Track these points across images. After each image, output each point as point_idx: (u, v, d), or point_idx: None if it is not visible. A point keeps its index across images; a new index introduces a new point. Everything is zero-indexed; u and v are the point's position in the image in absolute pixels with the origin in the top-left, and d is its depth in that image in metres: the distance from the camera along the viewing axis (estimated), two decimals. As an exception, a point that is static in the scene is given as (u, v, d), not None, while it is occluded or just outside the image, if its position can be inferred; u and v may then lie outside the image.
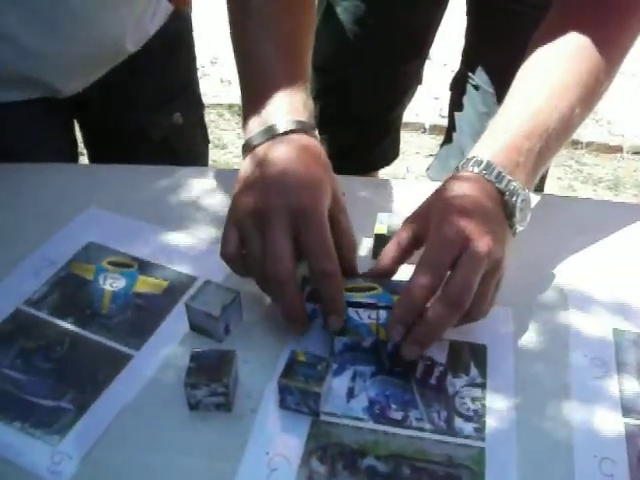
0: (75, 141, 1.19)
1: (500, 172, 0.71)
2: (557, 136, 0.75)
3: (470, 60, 1.31)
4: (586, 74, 0.78)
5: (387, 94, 1.41)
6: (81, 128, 1.22)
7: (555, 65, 0.79)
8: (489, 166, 0.71)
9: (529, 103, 0.76)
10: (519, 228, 0.73)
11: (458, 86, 1.36)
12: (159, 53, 1.11)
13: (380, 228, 0.80)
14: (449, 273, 0.66)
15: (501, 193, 0.71)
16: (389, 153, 1.58)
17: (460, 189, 0.71)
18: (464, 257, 0.65)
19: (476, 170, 0.71)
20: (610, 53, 0.79)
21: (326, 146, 1.46)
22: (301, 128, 0.74)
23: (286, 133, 0.73)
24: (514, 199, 0.71)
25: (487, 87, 1.24)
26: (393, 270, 0.73)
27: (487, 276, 0.67)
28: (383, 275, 0.73)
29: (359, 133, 1.45)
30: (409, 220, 0.73)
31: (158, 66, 1.13)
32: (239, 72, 0.82)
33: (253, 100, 0.78)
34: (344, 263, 0.71)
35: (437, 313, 0.65)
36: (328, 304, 0.69)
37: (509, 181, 0.71)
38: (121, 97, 1.12)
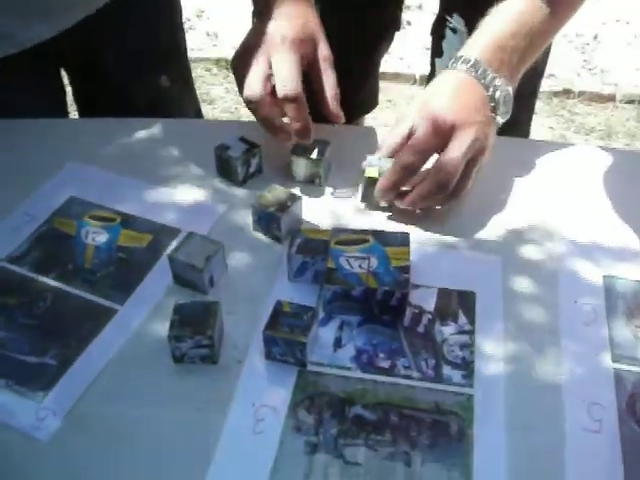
0: (65, 102, 1.16)
1: (485, 70, 0.78)
2: (541, 35, 0.81)
3: (447, 3, 1.28)
4: None
5: (361, 40, 1.38)
6: (74, 97, 1.20)
7: None
8: (476, 64, 0.78)
9: (511, 8, 0.81)
10: (501, 120, 0.80)
11: (437, 31, 1.33)
12: (140, 9, 1.07)
13: (371, 171, 0.79)
14: (437, 157, 0.75)
15: (486, 88, 0.78)
16: (369, 101, 1.55)
17: (449, 85, 0.79)
18: (451, 142, 0.74)
19: (464, 68, 0.78)
20: None
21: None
22: None
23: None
24: (498, 93, 0.78)
25: (464, 29, 1.22)
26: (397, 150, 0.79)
27: (471, 161, 0.76)
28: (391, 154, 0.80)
29: (338, 81, 1.41)
30: (403, 114, 0.80)
31: (140, 24, 1.09)
32: None
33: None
34: (326, 109, 0.83)
35: (425, 189, 0.76)
36: (293, 124, 0.80)
37: (494, 77, 0.78)
38: (103, 56, 1.09)
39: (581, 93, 2.63)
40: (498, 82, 0.78)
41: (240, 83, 0.82)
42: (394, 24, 1.40)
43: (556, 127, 2.54)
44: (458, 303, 0.70)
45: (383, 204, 0.80)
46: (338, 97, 0.84)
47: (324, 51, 0.84)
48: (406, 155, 0.76)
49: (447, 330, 0.68)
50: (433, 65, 1.37)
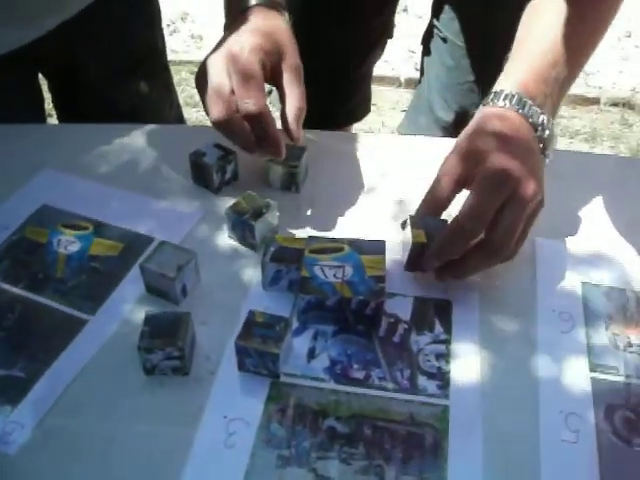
0: (42, 108, 1.15)
1: (532, 105, 0.70)
2: (576, 64, 0.75)
3: (438, 12, 1.27)
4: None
5: (355, 48, 1.37)
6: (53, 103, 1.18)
7: (561, 5, 0.76)
8: (521, 100, 0.70)
9: (545, 35, 0.74)
10: (547, 161, 0.73)
11: (429, 39, 1.32)
12: (117, 14, 1.06)
13: (418, 234, 0.69)
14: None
15: (534, 127, 0.70)
16: (360, 108, 1.54)
17: (497, 128, 0.69)
18: (511, 204, 0.65)
19: (508, 105, 0.70)
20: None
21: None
22: (267, 3, 0.80)
23: (255, 7, 0.79)
24: (547, 132, 0.71)
25: (455, 39, 1.20)
26: (445, 206, 0.71)
27: (528, 219, 0.68)
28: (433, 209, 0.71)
29: (327, 87, 1.41)
30: (450, 162, 0.70)
31: (116, 30, 1.08)
32: None
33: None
34: (284, 125, 0.76)
35: (477, 259, 0.67)
36: (261, 140, 0.75)
37: (540, 114, 0.70)
38: (80, 62, 1.08)
39: (566, 96, 2.64)
40: (544, 118, 0.70)
41: (205, 102, 0.77)
42: (388, 31, 1.39)
43: (541, 130, 2.54)
44: (434, 312, 0.69)
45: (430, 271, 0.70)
46: (301, 114, 0.76)
47: (291, 61, 0.78)
48: (466, 220, 0.65)
49: (423, 340, 0.67)
50: (422, 67, 1.36)
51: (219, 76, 0.74)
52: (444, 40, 1.22)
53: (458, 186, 0.70)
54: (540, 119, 0.70)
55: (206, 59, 0.77)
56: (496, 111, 0.71)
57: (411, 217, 0.70)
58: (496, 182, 0.66)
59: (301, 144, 0.79)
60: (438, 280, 0.70)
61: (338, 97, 1.43)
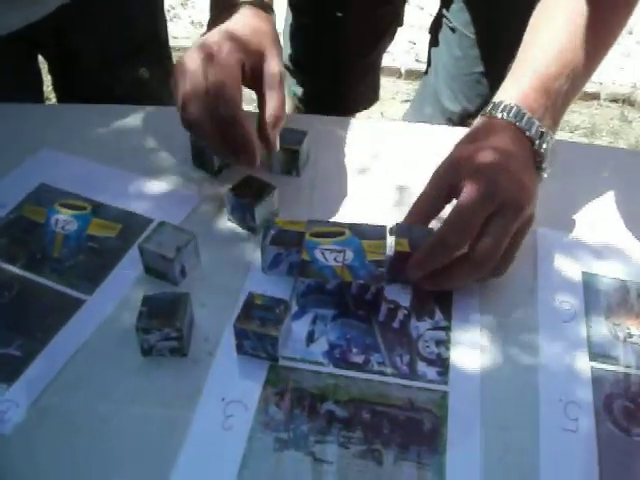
0: (41, 89, 1.14)
1: (530, 118, 0.68)
2: (582, 76, 0.73)
3: (448, 2, 1.26)
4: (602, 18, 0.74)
5: (364, 35, 1.36)
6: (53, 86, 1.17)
7: (571, 10, 0.74)
8: (519, 112, 0.68)
9: (552, 43, 0.73)
10: (545, 175, 0.71)
11: (436, 29, 1.31)
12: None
13: (402, 244, 0.68)
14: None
15: (531, 141, 0.69)
16: (368, 96, 1.54)
17: (492, 139, 0.68)
18: (497, 220, 0.64)
19: (505, 117, 0.69)
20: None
21: (301, 87, 1.42)
22: (256, 2, 0.76)
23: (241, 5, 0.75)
24: (544, 146, 0.69)
25: (463, 29, 1.20)
26: (432, 217, 0.71)
27: (516, 235, 0.66)
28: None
29: (336, 74, 1.40)
30: (440, 171, 0.70)
31: (117, 13, 1.07)
32: None
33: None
34: (260, 132, 0.72)
35: (460, 272, 0.66)
36: (235, 147, 0.70)
37: (538, 127, 0.69)
38: (80, 46, 1.07)
39: (566, 91, 2.64)
40: (543, 130, 0.69)
41: (178, 100, 0.72)
42: (397, 19, 1.38)
43: (540, 124, 2.54)
44: (434, 299, 0.69)
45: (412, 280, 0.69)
46: (279, 122, 0.72)
47: (272, 67, 0.73)
48: (450, 232, 0.65)
49: (423, 326, 0.66)
50: (429, 59, 1.35)
51: (194, 75, 0.69)
52: (453, 30, 1.21)
53: (447, 196, 0.69)
54: (538, 133, 0.69)
55: (183, 58, 0.72)
56: (493, 122, 0.70)
57: (397, 225, 0.70)
58: (483, 195, 0.64)
59: (301, 128, 0.78)
60: (422, 286, 0.68)
61: (346, 84, 1.42)
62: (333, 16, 1.30)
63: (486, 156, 0.66)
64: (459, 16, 1.20)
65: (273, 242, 0.69)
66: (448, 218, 0.65)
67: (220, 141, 0.70)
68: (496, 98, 0.71)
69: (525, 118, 0.68)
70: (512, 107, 0.69)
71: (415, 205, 0.71)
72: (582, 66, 0.72)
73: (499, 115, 0.69)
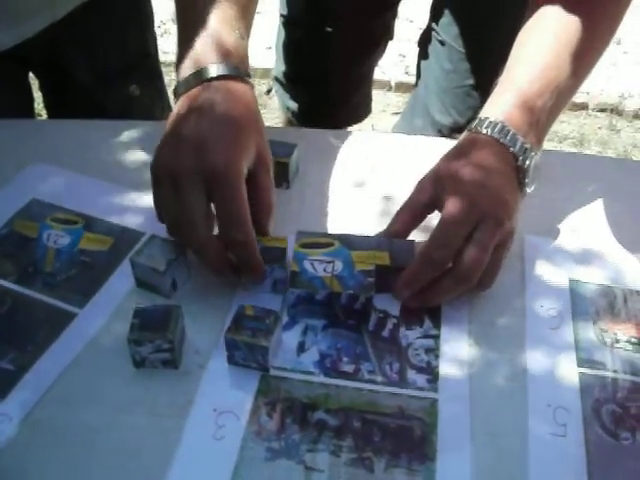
0: (32, 106, 1.14)
1: (514, 134, 0.69)
2: (567, 92, 0.74)
3: (437, 14, 1.28)
4: (587, 32, 0.74)
5: (356, 49, 1.38)
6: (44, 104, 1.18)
7: (558, 25, 0.75)
8: (503, 128, 0.69)
9: (536, 60, 0.74)
10: (529, 190, 0.72)
11: (426, 42, 1.32)
12: (107, 14, 1.06)
13: (382, 257, 0.69)
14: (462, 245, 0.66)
15: (515, 157, 0.69)
16: (360, 110, 1.55)
17: (475, 155, 0.69)
18: (478, 234, 0.65)
19: (490, 132, 0.70)
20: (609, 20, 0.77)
21: (294, 102, 1.43)
22: (233, 74, 0.69)
23: (216, 79, 0.68)
24: (527, 162, 0.70)
25: (453, 43, 1.21)
26: (405, 235, 0.72)
27: (498, 249, 0.67)
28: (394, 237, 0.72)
29: (328, 88, 1.41)
30: (423, 184, 0.71)
31: (107, 31, 1.08)
32: (177, 22, 0.77)
33: (185, 43, 0.72)
34: (257, 225, 0.67)
35: (446, 287, 0.67)
36: (242, 267, 0.67)
37: (522, 143, 0.69)
38: (70, 64, 1.07)
39: (554, 101, 2.66)
40: (526, 146, 0.70)
41: (168, 208, 0.67)
42: (388, 33, 1.40)
43: (530, 134, 2.55)
44: (423, 308, 0.69)
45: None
46: (273, 213, 0.70)
47: (265, 162, 0.69)
48: (434, 249, 0.66)
49: (412, 334, 0.67)
50: (419, 76, 1.36)
51: (193, 194, 0.64)
52: (442, 43, 1.22)
53: (429, 207, 0.70)
54: (522, 149, 0.70)
55: (175, 165, 0.65)
56: (477, 138, 0.71)
57: (375, 237, 0.70)
58: (465, 210, 0.65)
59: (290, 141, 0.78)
60: (409, 305, 0.69)
61: (338, 97, 1.43)
62: (325, 31, 1.31)
63: (468, 172, 0.68)
64: (448, 30, 1.21)
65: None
66: (432, 235, 0.67)
67: (224, 263, 0.67)
68: (482, 114, 0.72)
69: (509, 135, 0.69)
70: (497, 123, 0.70)
71: (397, 214, 0.72)
72: (567, 82, 0.73)
73: (484, 131, 0.70)
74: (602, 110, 2.68)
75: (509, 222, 0.67)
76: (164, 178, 0.66)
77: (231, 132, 0.66)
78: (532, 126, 0.71)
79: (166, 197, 0.66)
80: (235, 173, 0.64)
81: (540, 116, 0.71)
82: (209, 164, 0.64)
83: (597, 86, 2.71)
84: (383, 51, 1.45)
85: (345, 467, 0.57)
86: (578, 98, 2.66)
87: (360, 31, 1.33)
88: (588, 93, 2.68)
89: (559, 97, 0.73)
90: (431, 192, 0.69)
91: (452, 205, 0.66)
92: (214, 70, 0.69)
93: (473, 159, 0.69)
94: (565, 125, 2.60)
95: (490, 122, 0.70)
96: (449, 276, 0.66)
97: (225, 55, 0.70)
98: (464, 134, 0.74)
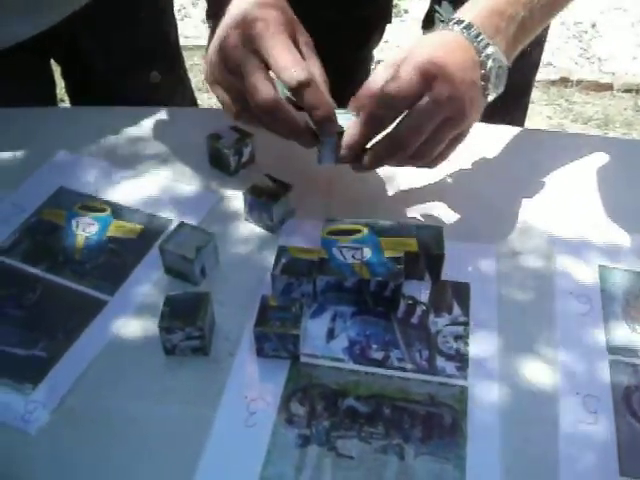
0: (54, 94, 1.15)
1: (479, 34, 0.70)
2: (542, 7, 0.73)
3: None
4: None
5: (352, 32, 1.36)
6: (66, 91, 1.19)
7: None
8: (469, 27, 0.70)
9: None
10: (492, 95, 0.72)
11: (429, 24, 1.31)
12: (126, 2, 1.06)
13: (410, 243, 0.69)
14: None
15: (478, 53, 0.69)
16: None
17: (438, 39, 0.71)
18: (422, 100, 0.66)
19: (456, 29, 0.70)
20: None
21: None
22: None
23: None
24: (490, 62, 0.69)
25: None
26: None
27: (445, 123, 0.67)
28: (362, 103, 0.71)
29: (327, 72, 1.40)
30: (386, 64, 0.72)
31: (127, 18, 1.08)
32: None
33: None
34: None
35: (383, 148, 0.69)
36: (313, 113, 0.68)
37: (487, 44, 0.70)
38: (91, 51, 1.07)
39: (579, 82, 2.62)
40: (491, 49, 0.69)
41: (235, 97, 0.71)
42: (385, 17, 1.38)
43: (553, 116, 2.52)
44: (452, 294, 0.69)
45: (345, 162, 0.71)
46: (327, 87, 0.74)
47: (305, 37, 0.74)
48: (373, 105, 0.67)
49: (441, 321, 0.67)
50: None
51: (252, 59, 0.68)
52: (444, 22, 1.21)
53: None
54: (485, 47, 0.69)
55: (219, 50, 0.71)
56: (442, 32, 0.72)
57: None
58: (418, 72, 0.65)
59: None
60: (355, 171, 0.71)
61: (337, 81, 1.42)
62: (318, 16, 1.30)
63: (426, 47, 0.69)
64: (448, 8, 1.20)
65: (284, 271, 0.67)
66: (377, 96, 0.68)
67: (295, 119, 0.69)
68: (451, 16, 0.73)
69: (474, 32, 0.69)
70: (462, 21, 0.70)
71: (365, 87, 0.72)
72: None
73: (449, 27, 0.71)
74: (627, 91, 2.63)
75: (462, 98, 0.67)
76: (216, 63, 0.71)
77: (266, 8, 0.70)
78: (500, 32, 0.71)
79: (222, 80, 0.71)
80: (274, 23, 0.68)
81: (509, 23, 0.71)
82: (248, 28, 0.68)
83: (622, 66, 2.67)
84: (381, 35, 1.43)
85: (376, 454, 0.57)
86: (603, 79, 2.62)
87: (356, 14, 1.32)
88: (613, 74, 2.64)
89: (533, 9, 0.72)
90: (384, 72, 0.70)
91: (407, 65, 0.66)
92: None
93: (434, 41, 0.71)
94: (589, 106, 2.56)
95: (457, 21, 0.71)
96: (386, 137, 0.68)
97: None
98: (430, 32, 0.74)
